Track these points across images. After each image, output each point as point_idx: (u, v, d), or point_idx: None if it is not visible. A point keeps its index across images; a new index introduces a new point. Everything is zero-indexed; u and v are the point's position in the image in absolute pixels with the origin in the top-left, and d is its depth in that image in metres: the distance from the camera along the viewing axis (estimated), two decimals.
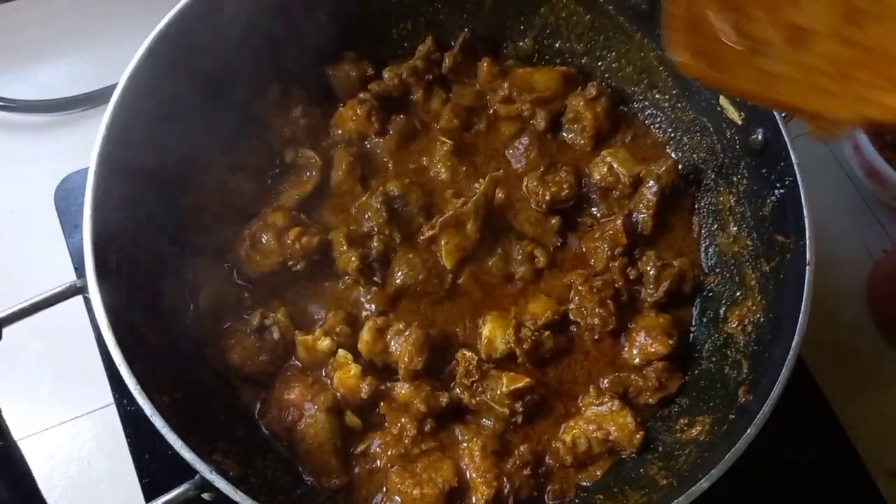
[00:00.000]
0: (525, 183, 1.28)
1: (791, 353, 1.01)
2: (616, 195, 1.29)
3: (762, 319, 1.14)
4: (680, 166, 1.30)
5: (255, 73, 1.27)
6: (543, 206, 1.26)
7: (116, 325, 0.97)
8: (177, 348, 1.12)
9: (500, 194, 1.27)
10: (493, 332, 1.19)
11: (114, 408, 1.26)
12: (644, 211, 1.26)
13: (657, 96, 1.33)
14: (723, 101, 1.22)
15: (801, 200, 1.08)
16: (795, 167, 1.10)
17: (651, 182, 1.26)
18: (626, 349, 1.21)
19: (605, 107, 1.33)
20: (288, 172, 1.28)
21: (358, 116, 1.29)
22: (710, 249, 1.28)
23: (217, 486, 0.90)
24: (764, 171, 1.16)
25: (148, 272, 1.11)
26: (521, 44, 1.39)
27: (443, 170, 1.30)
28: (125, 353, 0.95)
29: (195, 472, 0.92)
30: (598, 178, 1.29)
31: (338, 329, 1.16)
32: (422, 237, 1.22)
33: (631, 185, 1.28)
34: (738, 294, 1.20)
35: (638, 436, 1.12)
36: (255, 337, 1.16)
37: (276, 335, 1.16)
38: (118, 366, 0.93)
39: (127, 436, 1.23)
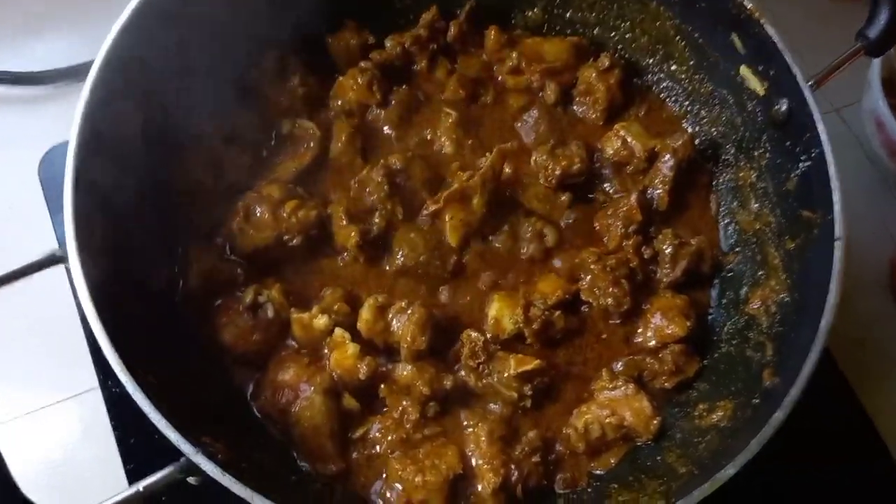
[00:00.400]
0: (534, 157, 1.22)
1: (820, 332, 0.94)
2: (630, 170, 1.23)
3: (787, 299, 1.08)
4: (697, 141, 1.23)
5: (250, 42, 1.21)
6: (553, 181, 1.20)
7: (99, 299, 0.90)
8: (165, 327, 1.06)
9: (507, 169, 1.20)
10: (500, 312, 1.12)
11: (99, 390, 1.20)
12: (660, 187, 1.20)
13: (673, 68, 1.26)
14: (744, 71, 1.16)
15: (828, 172, 1.02)
16: (823, 138, 1.03)
17: (667, 156, 1.20)
18: (640, 331, 1.15)
19: (619, 78, 1.26)
20: (284, 144, 1.21)
21: (359, 86, 1.23)
22: (730, 228, 1.21)
23: (203, 468, 0.84)
24: (788, 143, 1.10)
25: (135, 247, 1.05)
26: (529, 14, 1.32)
27: (447, 143, 1.23)
28: (107, 329, 0.88)
29: (181, 454, 0.86)
30: (611, 152, 1.23)
31: (336, 307, 1.10)
32: (425, 212, 1.16)
33: (646, 160, 1.21)
34: (761, 274, 1.14)
35: (654, 421, 1.06)
36: (248, 315, 1.09)
37: (269, 313, 1.09)
38: (99, 341, 0.87)
39: (112, 419, 1.17)
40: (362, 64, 1.24)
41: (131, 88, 1.05)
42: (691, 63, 1.24)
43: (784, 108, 1.10)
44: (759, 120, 1.16)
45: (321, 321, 1.08)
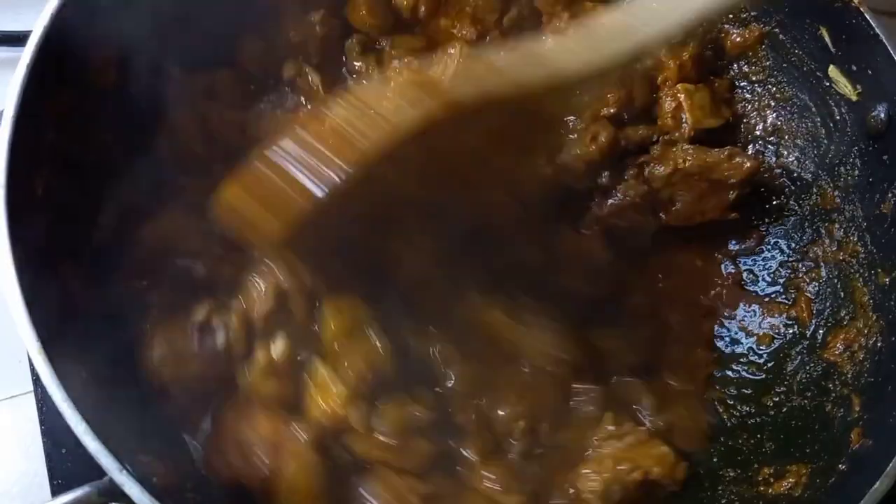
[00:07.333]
0: None
1: None
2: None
3: (879, 344, 0.91)
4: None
5: None
6: None
7: (25, 259, 0.72)
8: (116, 312, 0.86)
9: None
10: None
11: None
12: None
13: (745, 69, 1.10)
14: (832, 72, 1.00)
15: None
16: None
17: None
18: None
19: (694, 54, 1.04)
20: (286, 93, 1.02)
21: None
22: None
23: (127, 491, 0.64)
24: (885, 157, 0.95)
25: (87, 209, 0.86)
26: None
27: None
28: (31, 293, 0.70)
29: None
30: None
31: None
32: None
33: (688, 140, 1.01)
34: (844, 314, 0.97)
35: (682, 465, 0.88)
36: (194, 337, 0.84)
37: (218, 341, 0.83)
38: (11, 303, 0.67)
39: (42, 424, 0.96)
40: None
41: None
42: (767, 63, 1.08)
43: (882, 114, 0.94)
44: (849, 130, 1.00)
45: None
